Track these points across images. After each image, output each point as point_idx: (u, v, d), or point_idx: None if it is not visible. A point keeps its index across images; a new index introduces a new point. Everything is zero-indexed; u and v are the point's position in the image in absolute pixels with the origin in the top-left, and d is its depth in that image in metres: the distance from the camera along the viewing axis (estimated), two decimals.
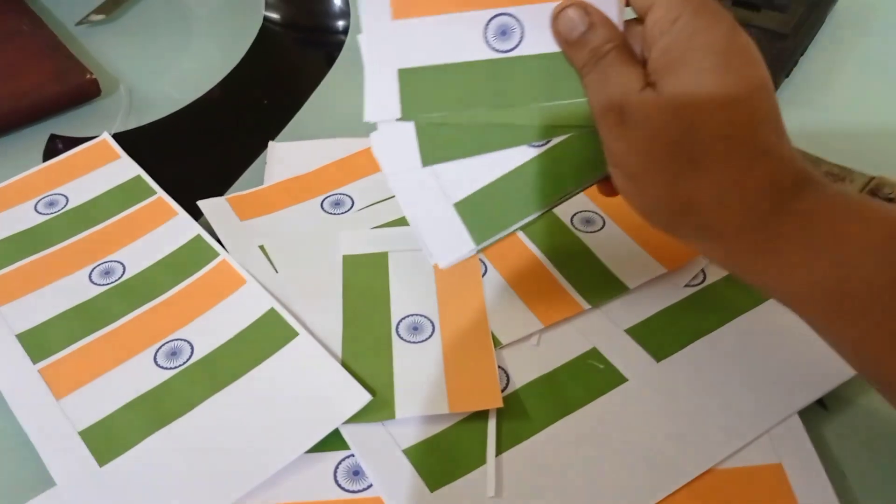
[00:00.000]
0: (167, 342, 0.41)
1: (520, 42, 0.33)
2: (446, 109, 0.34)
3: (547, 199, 0.35)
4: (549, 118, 0.34)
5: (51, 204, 0.49)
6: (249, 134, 0.56)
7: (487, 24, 0.33)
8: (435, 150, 0.35)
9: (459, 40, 0.33)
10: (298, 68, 0.64)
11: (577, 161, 0.35)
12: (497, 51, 0.33)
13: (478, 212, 0.35)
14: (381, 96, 0.34)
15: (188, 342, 0.41)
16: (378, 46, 0.33)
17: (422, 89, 0.34)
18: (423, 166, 0.35)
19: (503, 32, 0.33)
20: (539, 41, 0.33)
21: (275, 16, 0.69)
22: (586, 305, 0.43)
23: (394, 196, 0.48)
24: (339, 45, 0.66)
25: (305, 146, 0.54)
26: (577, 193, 0.36)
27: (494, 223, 0.35)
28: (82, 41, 0.64)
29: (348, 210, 0.49)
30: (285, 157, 0.53)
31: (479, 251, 0.36)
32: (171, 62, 0.63)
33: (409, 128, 0.34)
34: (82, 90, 0.57)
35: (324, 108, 0.59)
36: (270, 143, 0.54)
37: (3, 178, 0.51)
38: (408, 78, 0.33)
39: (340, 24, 0.69)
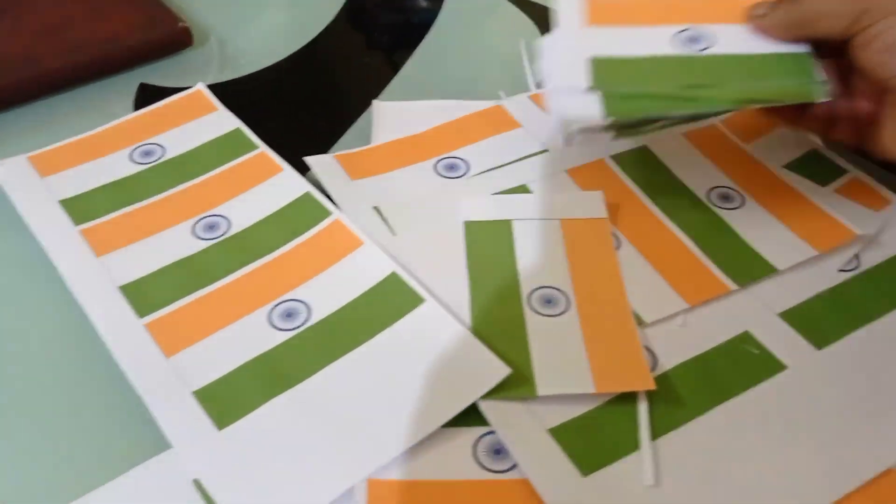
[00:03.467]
0: (282, 302, 0.39)
1: (709, 46, 0.38)
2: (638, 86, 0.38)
3: (691, 94, 0.37)
4: (747, 94, 0.37)
5: (147, 153, 0.47)
6: (349, 92, 0.54)
7: (678, 34, 0.39)
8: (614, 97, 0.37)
9: (652, 42, 0.39)
10: (398, 23, 0.62)
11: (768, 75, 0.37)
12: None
13: (618, 78, 0.38)
14: (569, 77, 0.38)
15: (304, 303, 0.39)
16: (571, 40, 0.39)
17: (614, 72, 0.38)
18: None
19: (693, 39, 0.39)
20: (729, 45, 0.38)
21: None
22: (733, 286, 0.41)
23: (510, 163, 0.46)
24: (440, 2, 0.64)
25: (412, 106, 0.52)
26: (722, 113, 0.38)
27: (635, 98, 0.37)
28: None
29: (463, 174, 0.47)
30: (391, 116, 0.51)
31: (608, 124, 0.37)
32: (262, 13, 0.62)
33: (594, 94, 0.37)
34: (174, 39, 0.55)
35: (427, 67, 0.56)
36: (375, 102, 0.52)
37: (93, 127, 0.49)
38: (600, 64, 0.38)
39: None
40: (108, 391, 0.36)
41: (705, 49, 0.38)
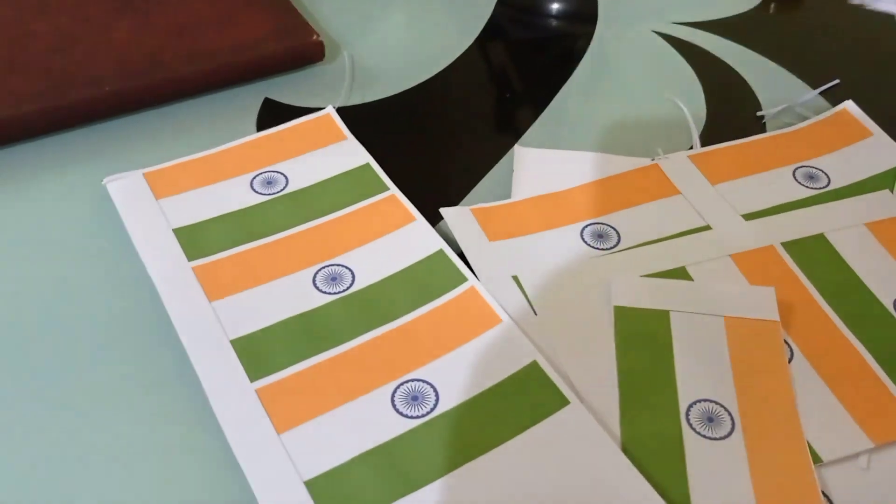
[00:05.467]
0: (407, 381, 0.35)
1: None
2: None
3: None
4: None
5: (269, 182, 0.44)
6: (488, 130, 0.50)
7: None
8: None
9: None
10: (541, 59, 0.57)
11: None
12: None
13: None
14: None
15: (430, 384, 0.35)
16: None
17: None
18: None
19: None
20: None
21: None
22: None
23: (667, 238, 0.42)
24: (587, 35, 0.59)
25: (558, 156, 0.48)
26: None
27: None
28: None
29: (614, 246, 0.43)
30: (534, 165, 0.47)
31: None
32: (398, 30, 0.58)
33: None
34: (306, 52, 0.52)
35: (574, 109, 0.52)
36: (517, 148, 0.48)
37: (215, 141, 0.46)
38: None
39: (584, 8, 0.62)
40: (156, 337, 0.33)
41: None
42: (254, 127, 0.49)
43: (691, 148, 0.49)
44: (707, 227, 0.44)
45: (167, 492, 0.32)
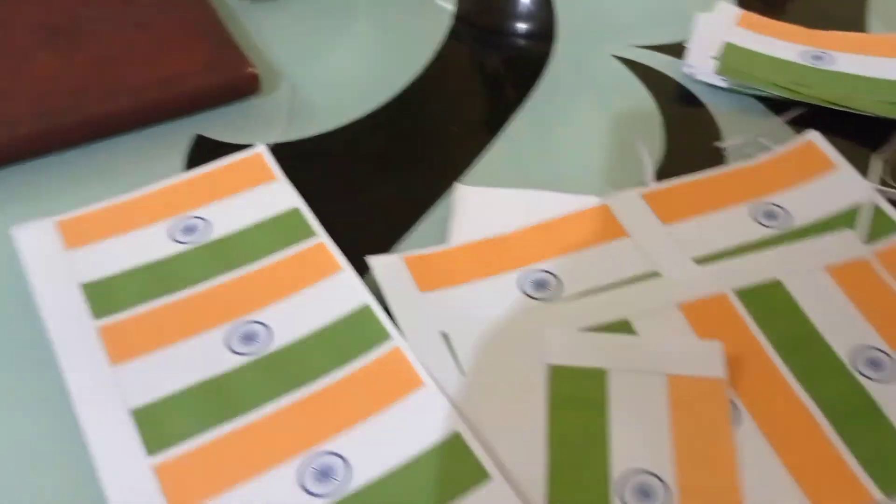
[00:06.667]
0: (318, 451, 0.33)
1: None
2: None
3: (794, 88, 0.52)
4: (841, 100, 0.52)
5: (189, 229, 0.42)
6: (431, 166, 0.48)
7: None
8: None
9: (783, 51, 0.55)
10: (493, 85, 0.55)
11: None
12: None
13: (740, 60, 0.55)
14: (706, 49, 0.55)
15: (342, 458, 0.33)
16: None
17: (740, 55, 0.56)
18: None
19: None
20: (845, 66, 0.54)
21: (466, 15, 0.61)
22: (878, 495, 0.33)
23: (612, 286, 0.40)
24: (543, 58, 0.57)
25: (500, 195, 0.46)
26: None
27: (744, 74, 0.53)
28: (242, 19, 0.58)
29: (554, 295, 0.41)
30: (474, 206, 0.45)
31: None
32: (346, 60, 0.56)
33: None
34: (239, 85, 0.50)
35: (523, 142, 0.50)
36: (458, 186, 0.46)
37: (141, 181, 0.44)
38: (731, 48, 0.56)
39: (542, 28, 0.60)
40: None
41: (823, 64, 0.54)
42: (183, 165, 0.47)
43: (645, 185, 0.47)
44: (656, 274, 0.42)
45: None
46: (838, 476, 0.34)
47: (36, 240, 0.41)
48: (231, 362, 0.36)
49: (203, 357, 0.36)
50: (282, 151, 0.48)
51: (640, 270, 0.42)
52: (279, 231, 0.42)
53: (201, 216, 0.43)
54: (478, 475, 0.33)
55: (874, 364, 0.38)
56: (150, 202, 0.43)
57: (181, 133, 0.49)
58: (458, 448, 0.33)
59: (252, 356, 0.37)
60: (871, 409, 0.37)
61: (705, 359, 0.38)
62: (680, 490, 0.33)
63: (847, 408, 0.37)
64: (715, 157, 0.50)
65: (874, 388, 0.37)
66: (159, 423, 0.34)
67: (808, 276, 0.42)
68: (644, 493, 0.33)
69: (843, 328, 0.40)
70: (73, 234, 0.41)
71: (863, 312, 0.41)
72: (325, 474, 0.33)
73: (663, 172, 0.48)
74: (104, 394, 0.35)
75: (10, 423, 0.35)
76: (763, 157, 0.49)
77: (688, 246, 0.43)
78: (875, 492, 0.34)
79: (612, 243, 0.43)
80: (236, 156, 0.46)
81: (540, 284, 0.41)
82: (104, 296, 0.38)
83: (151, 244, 0.41)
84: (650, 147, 0.50)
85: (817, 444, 0.35)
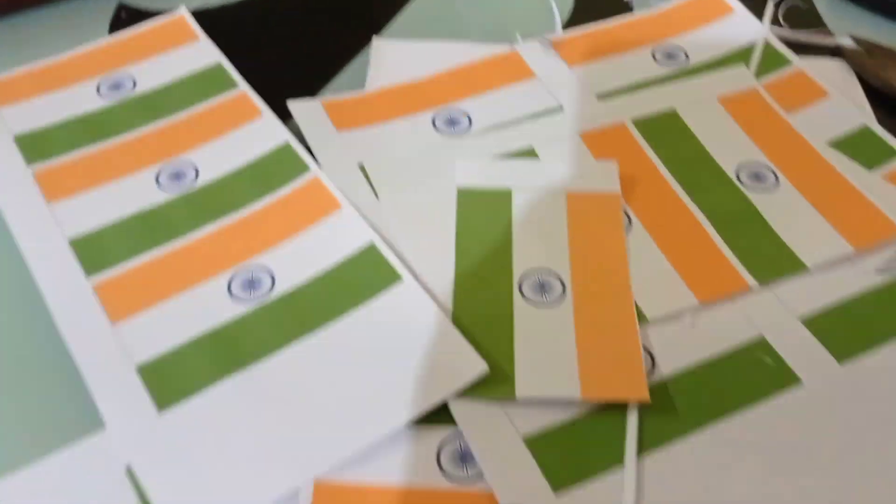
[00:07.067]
0: (244, 268, 0.36)
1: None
2: None
3: None
4: None
5: (116, 86, 0.44)
6: (350, 24, 0.50)
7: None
8: None
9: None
10: None
11: None
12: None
13: None
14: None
15: (269, 271, 0.36)
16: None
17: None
18: None
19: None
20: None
21: None
22: (753, 283, 0.38)
23: (519, 120, 0.43)
24: None
25: (416, 48, 0.49)
26: None
27: None
28: None
29: (465, 131, 0.44)
30: (391, 58, 0.48)
31: None
32: None
33: None
34: None
35: (437, 1, 0.52)
36: (375, 40, 0.49)
37: (64, 50, 0.46)
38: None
39: None
40: (46, 356, 0.34)
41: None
42: (106, 33, 0.48)
43: (553, 34, 0.50)
44: (559, 109, 0.45)
45: None
46: (719, 269, 0.38)
47: None
48: (160, 198, 0.39)
49: (134, 194, 0.39)
50: (202, 17, 0.50)
51: (545, 106, 0.45)
52: (203, 84, 0.44)
53: (129, 74, 0.45)
54: (391, 277, 0.36)
55: (757, 177, 0.42)
56: (76, 63, 0.45)
57: (104, 3, 0.50)
58: (372, 256, 0.37)
59: (179, 192, 0.39)
60: (750, 213, 0.41)
61: (601, 176, 0.41)
62: (574, 283, 0.37)
63: (729, 213, 0.41)
64: (622, 10, 0.52)
65: (755, 198, 0.41)
66: (95, 250, 0.37)
67: (701, 105, 0.46)
68: (542, 287, 0.37)
69: (731, 148, 0.44)
70: (1, 94, 0.43)
71: (750, 135, 0.44)
72: (252, 284, 0.36)
73: (573, 23, 0.51)
74: (42, 226, 0.37)
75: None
76: (666, 5, 0.52)
77: (591, 84, 0.47)
78: (750, 280, 0.38)
79: (520, 84, 0.46)
80: (159, 19, 0.48)
81: (452, 121, 0.44)
82: (36, 144, 0.41)
83: (80, 99, 0.43)
84: (559, 1, 0.52)
85: (701, 244, 0.39)
